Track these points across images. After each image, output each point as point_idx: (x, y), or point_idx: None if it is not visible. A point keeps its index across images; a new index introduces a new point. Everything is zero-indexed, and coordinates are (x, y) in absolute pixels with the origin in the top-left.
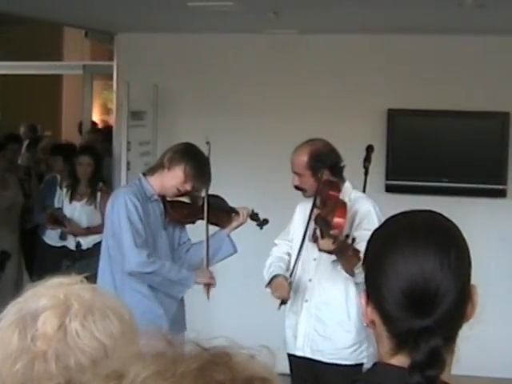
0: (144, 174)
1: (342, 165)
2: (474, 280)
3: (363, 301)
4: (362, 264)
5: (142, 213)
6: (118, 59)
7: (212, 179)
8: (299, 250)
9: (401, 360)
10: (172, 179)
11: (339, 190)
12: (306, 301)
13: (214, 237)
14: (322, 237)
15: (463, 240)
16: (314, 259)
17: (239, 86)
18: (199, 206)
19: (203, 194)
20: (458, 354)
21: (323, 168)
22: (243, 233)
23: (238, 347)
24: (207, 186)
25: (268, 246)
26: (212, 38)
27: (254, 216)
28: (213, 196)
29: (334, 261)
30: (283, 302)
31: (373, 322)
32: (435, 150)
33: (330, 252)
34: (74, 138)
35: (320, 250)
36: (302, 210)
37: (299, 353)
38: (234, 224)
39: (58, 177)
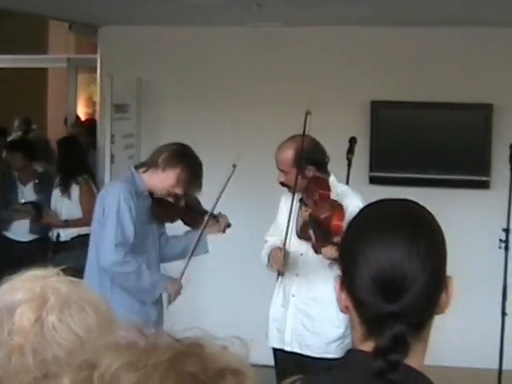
0: (136, 168)
1: (326, 160)
2: (457, 271)
3: (337, 287)
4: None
5: (135, 212)
6: (102, 52)
7: None
8: (284, 244)
9: (371, 345)
10: (164, 181)
11: (329, 189)
12: (293, 296)
13: (193, 234)
14: (317, 240)
15: (437, 230)
16: (301, 254)
17: (223, 79)
18: (180, 207)
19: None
20: (439, 345)
21: (308, 164)
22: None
23: (212, 338)
24: (198, 192)
25: (252, 233)
26: (195, 31)
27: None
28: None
29: (330, 263)
30: (280, 274)
31: (347, 308)
32: (418, 142)
33: (333, 259)
34: (60, 131)
35: (323, 256)
36: (288, 201)
37: (287, 348)
38: (213, 230)
39: (16, 173)
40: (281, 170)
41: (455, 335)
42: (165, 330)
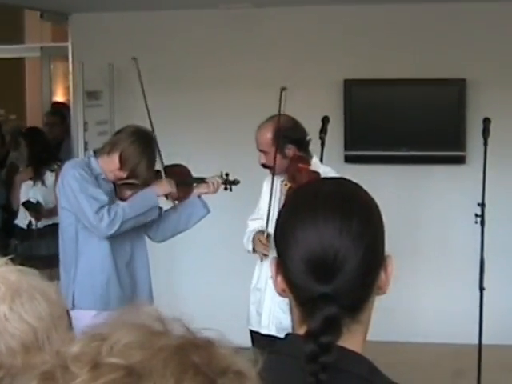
0: (94, 152)
1: (307, 139)
2: (434, 247)
3: (273, 269)
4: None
5: (93, 182)
6: (73, 39)
7: (174, 154)
8: (267, 227)
9: (306, 329)
10: (110, 165)
11: (309, 164)
12: (271, 277)
13: (184, 202)
14: None
15: (372, 207)
16: None
17: (195, 63)
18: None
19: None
20: (418, 322)
21: (289, 143)
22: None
23: (227, 341)
24: (148, 172)
25: (232, 216)
26: (166, 15)
27: (227, 182)
28: (169, 171)
29: None
30: (264, 257)
31: (284, 291)
32: (393, 119)
33: None
34: (39, 120)
35: None
36: (269, 185)
37: (264, 330)
38: (202, 191)
39: None
40: (261, 150)
41: (434, 311)
42: (180, 321)
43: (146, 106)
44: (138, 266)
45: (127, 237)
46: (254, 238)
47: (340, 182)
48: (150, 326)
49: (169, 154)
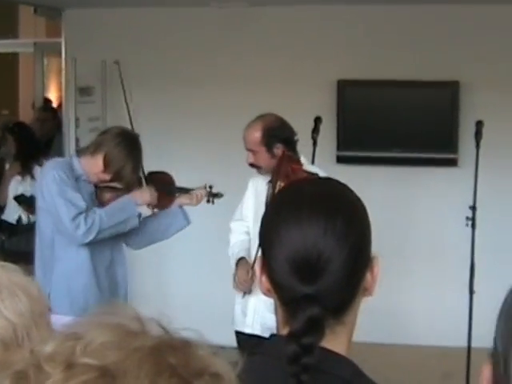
0: (77, 152)
1: (295, 139)
2: (425, 249)
3: (258, 269)
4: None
5: (72, 186)
6: (66, 35)
7: (163, 153)
8: (252, 266)
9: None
10: (93, 167)
11: (301, 164)
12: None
13: (165, 211)
14: None
15: (358, 208)
16: None
17: (188, 61)
18: (126, 190)
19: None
20: (408, 324)
21: (277, 142)
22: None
23: (205, 342)
24: (132, 176)
25: (219, 214)
26: (160, 13)
27: (210, 195)
28: (153, 178)
29: None
30: (245, 294)
31: (269, 291)
32: (386, 121)
33: None
34: (31, 116)
35: None
36: (255, 185)
37: (248, 330)
38: (184, 201)
39: None
40: (250, 150)
41: (423, 314)
42: (158, 321)
43: (128, 110)
44: (117, 269)
45: (106, 241)
46: (236, 273)
47: (326, 182)
48: (126, 326)
49: (157, 152)
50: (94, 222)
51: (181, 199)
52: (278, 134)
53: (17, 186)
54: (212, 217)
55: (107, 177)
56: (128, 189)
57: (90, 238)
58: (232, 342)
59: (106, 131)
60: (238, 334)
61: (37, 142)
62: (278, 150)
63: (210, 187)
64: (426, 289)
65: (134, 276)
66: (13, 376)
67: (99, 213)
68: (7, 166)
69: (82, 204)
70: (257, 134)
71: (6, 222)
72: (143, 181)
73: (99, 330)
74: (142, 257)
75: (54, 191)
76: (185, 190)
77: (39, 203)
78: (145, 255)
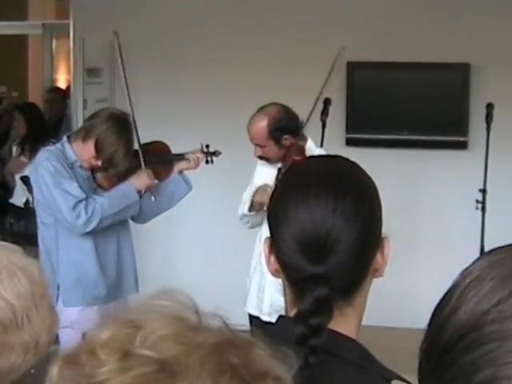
0: (68, 138)
1: (301, 123)
2: (435, 232)
3: (266, 249)
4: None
5: (68, 175)
6: (74, 16)
7: (167, 133)
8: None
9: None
10: (84, 153)
11: (304, 154)
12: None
13: (166, 181)
14: None
15: (368, 187)
16: None
17: (197, 41)
18: (130, 169)
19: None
20: (416, 307)
21: (284, 134)
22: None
23: (266, 343)
24: (125, 161)
25: (229, 192)
26: None
27: (208, 154)
28: (148, 150)
29: None
30: (257, 208)
31: (278, 271)
32: (395, 103)
33: None
34: (41, 97)
35: None
36: (265, 165)
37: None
38: (183, 167)
39: None
40: (257, 144)
41: (433, 298)
42: (220, 316)
43: (126, 84)
44: (125, 253)
45: (112, 226)
46: (257, 191)
47: (334, 160)
48: (187, 319)
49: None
50: (95, 211)
51: (179, 165)
52: (283, 126)
53: (23, 167)
54: (222, 193)
55: (99, 163)
56: (122, 173)
57: (92, 226)
58: (243, 322)
59: (95, 114)
60: (253, 318)
61: (46, 123)
62: (286, 140)
63: (207, 146)
64: (435, 272)
65: (142, 254)
66: (64, 360)
67: (100, 201)
68: (14, 148)
69: (79, 192)
70: (263, 129)
71: (14, 205)
72: (141, 161)
73: (160, 321)
74: (148, 235)
75: (51, 183)
76: (182, 156)
77: (37, 196)
78: (152, 233)
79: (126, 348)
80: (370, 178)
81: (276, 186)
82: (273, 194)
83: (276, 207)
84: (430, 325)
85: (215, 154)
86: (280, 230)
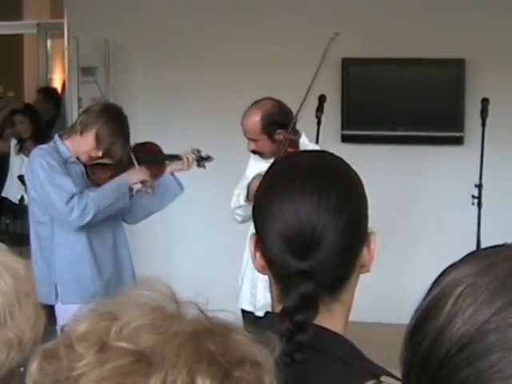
0: (60, 136)
1: (294, 119)
2: (431, 228)
3: (252, 246)
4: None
5: (62, 170)
6: (69, 15)
7: (165, 132)
8: None
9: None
10: (83, 145)
11: (298, 148)
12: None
13: (158, 181)
14: None
15: (353, 182)
16: None
17: (191, 39)
18: (123, 166)
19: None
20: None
21: (278, 128)
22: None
23: (242, 327)
24: (123, 150)
25: (225, 190)
26: None
27: (200, 159)
28: (140, 150)
29: None
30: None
31: (264, 268)
32: (391, 99)
33: None
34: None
35: None
36: (257, 159)
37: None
38: (175, 167)
39: None
40: (250, 138)
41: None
42: (197, 304)
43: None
44: (121, 250)
45: (106, 222)
46: (253, 179)
47: (320, 155)
48: (164, 308)
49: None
50: (88, 204)
51: (171, 166)
52: (277, 120)
53: (20, 165)
54: (218, 190)
55: (99, 153)
56: (118, 164)
57: (86, 220)
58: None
59: (88, 110)
60: (246, 313)
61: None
62: (280, 135)
63: (198, 151)
64: (431, 267)
65: (140, 252)
66: (42, 354)
67: (93, 195)
68: (12, 145)
69: (73, 187)
70: (256, 124)
71: (8, 200)
72: (133, 159)
73: (136, 312)
74: (146, 232)
75: (44, 179)
76: (174, 157)
77: (32, 194)
78: (150, 231)
79: (104, 340)
80: (355, 173)
81: (261, 181)
82: (257, 189)
83: (261, 203)
84: (412, 333)
85: (207, 159)
86: (265, 226)
